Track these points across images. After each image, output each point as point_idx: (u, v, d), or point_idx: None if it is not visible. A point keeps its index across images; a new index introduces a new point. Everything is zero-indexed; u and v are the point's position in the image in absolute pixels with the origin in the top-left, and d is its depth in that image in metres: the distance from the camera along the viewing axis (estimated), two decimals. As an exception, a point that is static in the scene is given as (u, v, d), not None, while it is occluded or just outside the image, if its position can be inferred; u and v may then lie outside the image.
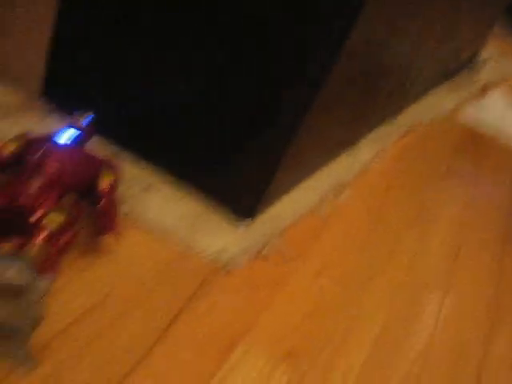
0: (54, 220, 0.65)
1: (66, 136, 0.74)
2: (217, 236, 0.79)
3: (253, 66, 0.76)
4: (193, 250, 0.76)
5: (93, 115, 0.77)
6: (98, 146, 0.81)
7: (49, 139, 0.74)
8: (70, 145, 0.74)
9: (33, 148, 0.73)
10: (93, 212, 0.72)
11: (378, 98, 1.10)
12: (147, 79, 0.83)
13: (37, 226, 0.64)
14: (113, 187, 0.75)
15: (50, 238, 0.63)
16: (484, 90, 1.71)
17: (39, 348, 0.58)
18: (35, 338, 0.56)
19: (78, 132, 0.76)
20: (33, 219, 0.65)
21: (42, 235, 0.63)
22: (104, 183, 0.74)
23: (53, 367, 0.57)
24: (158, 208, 0.79)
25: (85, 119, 0.77)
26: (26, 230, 0.64)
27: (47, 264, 0.63)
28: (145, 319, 0.66)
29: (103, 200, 0.72)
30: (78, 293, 0.66)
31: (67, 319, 0.62)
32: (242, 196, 0.83)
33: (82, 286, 0.67)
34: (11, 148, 0.73)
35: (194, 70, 0.79)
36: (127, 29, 0.82)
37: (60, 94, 0.88)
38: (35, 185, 0.68)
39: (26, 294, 0.52)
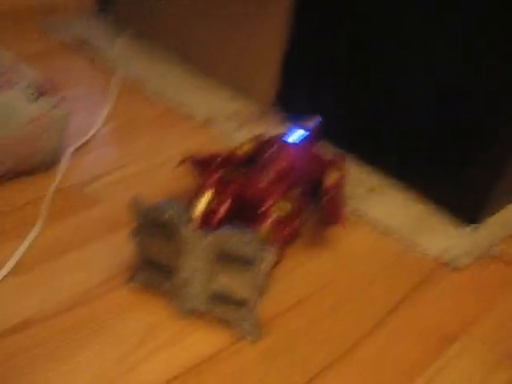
0: (282, 208, 0.69)
1: (295, 136, 0.79)
2: (441, 237, 0.77)
3: (486, 78, 0.74)
4: (416, 248, 0.75)
5: (320, 119, 0.81)
6: (324, 149, 0.84)
7: (279, 139, 0.79)
8: (298, 144, 0.78)
9: (264, 148, 0.78)
10: (318, 206, 0.75)
11: None
12: (378, 85, 0.85)
13: (265, 215, 0.69)
14: (339, 184, 0.77)
15: (277, 224, 0.67)
16: None
17: (262, 324, 0.61)
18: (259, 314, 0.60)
19: (306, 133, 0.80)
20: (262, 208, 0.70)
21: (270, 220, 0.67)
22: (330, 180, 0.76)
23: (271, 343, 0.61)
24: (382, 208, 0.80)
25: (313, 122, 0.81)
26: (255, 220, 0.70)
27: (274, 243, 0.66)
28: (362, 309, 0.66)
29: (330, 192, 0.75)
30: (297, 281, 0.69)
31: (283, 305, 0.65)
32: (465, 202, 0.80)
33: (302, 275, 0.70)
34: (245, 148, 0.79)
35: (427, 79, 0.80)
36: (361, 39, 0.84)
37: (291, 104, 0.94)
38: (265, 179, 0.73)
39: (255, 265, 0.56)
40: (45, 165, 0.79)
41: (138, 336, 0.59)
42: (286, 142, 0.79)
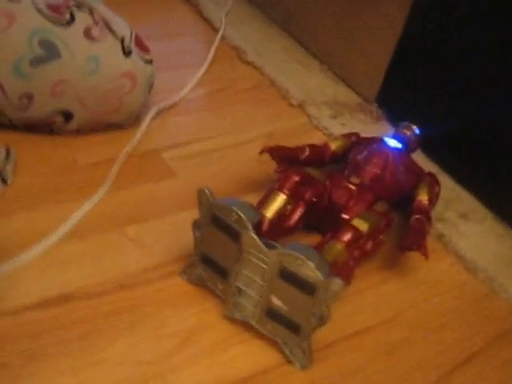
0: (363, 223, 0.62)
1: (392, 143, 0.71)
2: (533, 285, 0.67)
3: None
4: (502, 294, 0.65)
5: (420, 129, 0.72)
6: (419, 162, 0.75)
7: (373, 143, 0.71)
8: (393, 152, 0.70)
9: (356, 149, 0.71)
10: (404, 224, 0.67)
11: None
12: (488, 99, 0.74)
13: (345, 225, 0.62)
14: (432, 203, 0.69)
15: (355, 241, 0.61)
16: None
17: (315, 350, 0.55)
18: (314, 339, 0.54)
19: (403, 142, 0.72)
20: (344, 216, 0.63)
21: (349, 235, 0.60)
22: (423, 196, 0.68)
23: (319, 375, 0.54)
24: (472, 239, 0.70)
25: (412, 131, 0.72)
26: (333, 227, 0.63)
27: (344, 267, 0.60)
28: (426, 356, 0.58)
29: (419, 214, 0.66)
30: (363, 307, 0.61)
31: (342, 333, 0.58)
32: None
33: (370, 300, 0.62)
34: (334, 146, 0.72)
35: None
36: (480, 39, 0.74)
37: (392, 102, 0.85)
38: (351, 185, 0.66)
39: (318, 292, 0.50)
40: (128, 121, 0.75)
41: (178, 338, 0.54)
42: (383, 145, 0.70)
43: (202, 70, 0.89)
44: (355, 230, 0.61)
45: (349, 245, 0.61)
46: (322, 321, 0.51)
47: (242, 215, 0.53)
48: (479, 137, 0.76)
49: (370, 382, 0.55)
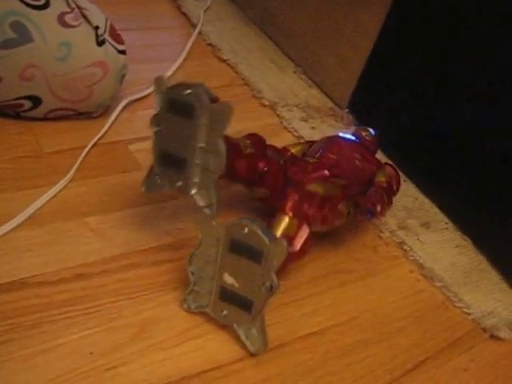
0: (318, 187, 0.62)
1: (346, 136, 0.71)
2: (487, 298, 0.68)
3: None
4: (457, 303, 0.66)
5: (376, 133, 0.73)
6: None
7: (329, 138, 0.71)
8: (347, 141, 0.70)
9: (313, 145, 0.71)
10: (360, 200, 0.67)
11: None
12: (460, 108, 0.75)
13: (292, 192, 0.61)
14: (390, 185, 0.69)
15: (306, 200, 0.61)
16: None
17: (269, 349, 0.55)
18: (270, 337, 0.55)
19: (358, 138, 0.72)
20: (298, 178, 0.62)
21: (295, 197, 0.60)
22: (381, 178, 0.69)
23: (272, 373, 0.54)
24: (432, 249, 0.71)
25: (368, 132, 0.73)
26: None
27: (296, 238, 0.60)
28: (380, 359, 0.59)
29: (378, 186, 0.68)
30: (320, 309, 0.62)
31: (297, 333, 0.59)
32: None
33: (327, 303, 0.63)
34: (293, 150, 0.71)
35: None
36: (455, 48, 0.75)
37: (363, 108, 0.86)
38: (307, 163, 0.65)
39: (265, 258, 0.50)
40: (97, 111, 0.75)
41: (132, 330, 0.54)
42: (338, 138, 0.71)
43: (176, 64, 0.89)
44: (306, 192, 0.61)
45: (295, 210, 0.60)
46: (272, 289, 0.51)
47: (194, 90, 0.52)
48: (447, 147, 0.77)
49: (321, 382, 0.55)
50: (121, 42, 0.73)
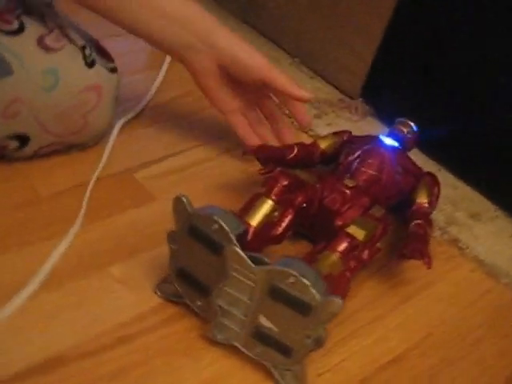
0: (359, 231, 0.58)
1: (387, 142, 0.68)
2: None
3: None
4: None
5: (417, 126, 0.69)
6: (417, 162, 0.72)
7: (367, 142, 0.67)
8: (389, 151, 0.66)
9: (348, 149, 0.67)
10: (402, 229, 0.64)
11: None
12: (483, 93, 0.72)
13: (339, 233, 0.58)
14: (432, 205, 0.66)
15: (351, 250, 0.57)
16: None
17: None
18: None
19: (400, 140, 0.68)
20: (338, 223, 0.59)
21: (344, 244, 0.56)
22: (422, 199, 0.66)
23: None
24: (489, 241, 0.68)
25: (410, 128, 0.69)
26: (325, 235, 0.59)
27: (340, 280, 0.56)
28: (472, 372, 0.56)
29: (419, 219, 0.63)
30: (389, 332, 0.58)
31: (380, 361, 0.55)
32: None
33: (395, 324, 0.59)
34: (323, 145, 0.69)
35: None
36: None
37: (378, 96, 0.82)
38: (345, 188, 0.62)
39: (314, 313, 0.46)
40: (94, 139, 0.69)
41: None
42: (378, 144, 0.67)
43: (162, 73, 0.83)
44: (351, 238, 0.57)
45: (344, 255, 0.56)
46: (319, 343, 0.47)
47: (224, 225, 0.48)
48: (476, 131, 0.74)
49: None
50: (110, 59, 0.67)
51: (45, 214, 0.61)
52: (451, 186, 0.74)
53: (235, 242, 0.48)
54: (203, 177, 0.70)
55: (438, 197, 0.68)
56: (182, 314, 0.55)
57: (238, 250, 0.48)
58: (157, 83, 0.81)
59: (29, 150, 0.64)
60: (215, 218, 0.49)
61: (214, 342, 0.52)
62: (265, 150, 0.67)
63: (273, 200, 0.59)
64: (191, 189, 0.67)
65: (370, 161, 0.65)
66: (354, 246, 0.57)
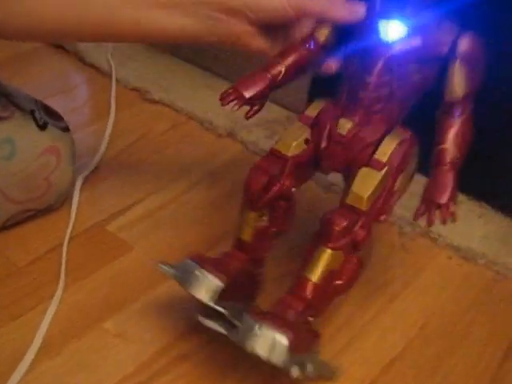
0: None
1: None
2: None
3: None
4: (508, 272, 0.67)
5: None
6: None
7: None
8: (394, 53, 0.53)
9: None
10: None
11: None
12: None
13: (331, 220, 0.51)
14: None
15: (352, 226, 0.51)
16: None
17: None
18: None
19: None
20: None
21: (340, 226, 0.51)
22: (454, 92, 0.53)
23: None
24: (458, 226, 0.71)
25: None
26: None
27: (344, 271, 0.54)
28: (471, 356, 0.59)
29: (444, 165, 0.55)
30: (386, 333, 0.61)
31: (383, 362, 0.58)
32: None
33: (388, 324, 0.62)
34: (322, 38, 0.56)
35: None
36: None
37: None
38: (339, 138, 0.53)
39: None
40: (59, 200, 0.69)
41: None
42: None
43: (110, 122, 0.84)
44: (349, 212, 0.51)
45: (340, 242, 0.51)
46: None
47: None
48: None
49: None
50: (60, 118, 0.68)
51: (26, 282, 0.62)
52: (414, 181, 0.77)
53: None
54: (172, 218, 0.72)
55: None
56: (183, 354, 0.56)
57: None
58: (107, 135, 0.82)
59: (-5, 222, 0.65)
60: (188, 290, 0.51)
61: (223, 376, 0.54)
62: (253, 90, 0.55)
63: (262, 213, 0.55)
64: (166, 233, 0.69)
65: (368, 79, 0.52)
66: (353, 221, 0.52)
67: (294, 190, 0.55)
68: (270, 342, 0.47)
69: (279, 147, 0.55)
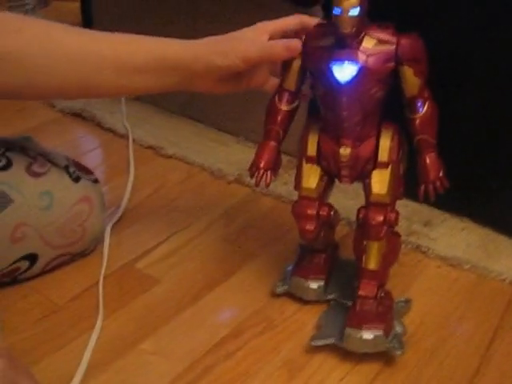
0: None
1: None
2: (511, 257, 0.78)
3: None
4: (490, 274, 0.75)
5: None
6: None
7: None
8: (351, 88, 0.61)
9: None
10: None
11: None
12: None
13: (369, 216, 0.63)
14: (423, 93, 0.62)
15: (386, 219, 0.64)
16: None
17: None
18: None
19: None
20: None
21: (378, 222, 0.63)
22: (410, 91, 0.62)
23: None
24: (444, 240, 0.80)
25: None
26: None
27: (391, 251, 0.66)
28: (462, 348, 0.66)
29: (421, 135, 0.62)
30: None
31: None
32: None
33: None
34: None
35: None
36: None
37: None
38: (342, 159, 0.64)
39: None
40: (92, 244, 0.77)
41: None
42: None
43: (131, 176, 0.93)
44: (379, 208, 0.63)
45: (381, 233, 0.63)
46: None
47: None
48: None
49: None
50: (90, 172, 0.77)
51: (67, 317, 0.69)
52: (403, 205, 0.85)
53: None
54: (193, 254, 0.80)
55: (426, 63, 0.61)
56: (210, 365, 0.63)
57: None
58: (129, 186, 0.90)
59: (37, 267, 0.72)
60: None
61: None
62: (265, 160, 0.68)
63: None
64: (189, 267, 0.77)
65: (342, 114, 0.61)
66: (385, 213, 0.63)
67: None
68: (371, 340, 0.62)
69: (305, 193, 0.67)
